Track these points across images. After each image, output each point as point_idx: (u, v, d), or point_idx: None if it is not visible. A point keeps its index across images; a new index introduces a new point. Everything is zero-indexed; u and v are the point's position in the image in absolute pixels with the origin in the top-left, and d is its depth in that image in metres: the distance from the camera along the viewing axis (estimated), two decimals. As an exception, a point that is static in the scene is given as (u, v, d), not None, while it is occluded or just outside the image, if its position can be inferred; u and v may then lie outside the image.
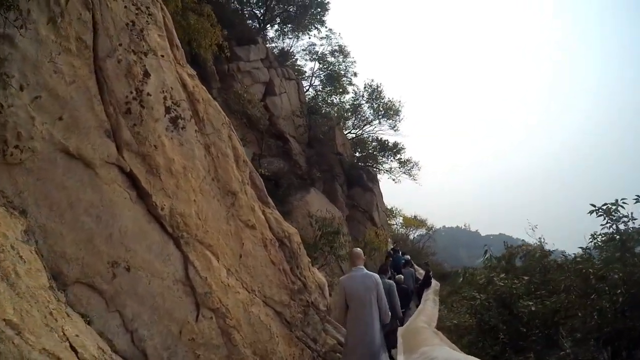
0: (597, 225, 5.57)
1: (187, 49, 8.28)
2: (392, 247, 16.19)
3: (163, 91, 4.24)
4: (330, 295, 7.93)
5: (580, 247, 6.49)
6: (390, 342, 5.83)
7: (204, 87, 5.21)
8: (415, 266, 16.31)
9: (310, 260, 6.57)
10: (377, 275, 4.66)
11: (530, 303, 5.89)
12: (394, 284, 6.83)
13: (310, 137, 16.68)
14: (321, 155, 15.30)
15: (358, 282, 4.53)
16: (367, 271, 4.66)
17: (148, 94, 4.05)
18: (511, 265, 7.52)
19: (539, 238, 7.86)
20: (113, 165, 3.71)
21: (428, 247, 27.53)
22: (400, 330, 6.53)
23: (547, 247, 8.32)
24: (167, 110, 4.27)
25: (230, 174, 5.03)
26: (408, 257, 14.55)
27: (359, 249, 5.16)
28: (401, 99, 21.09)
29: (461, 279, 12.31)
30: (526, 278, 6.55)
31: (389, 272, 8.89)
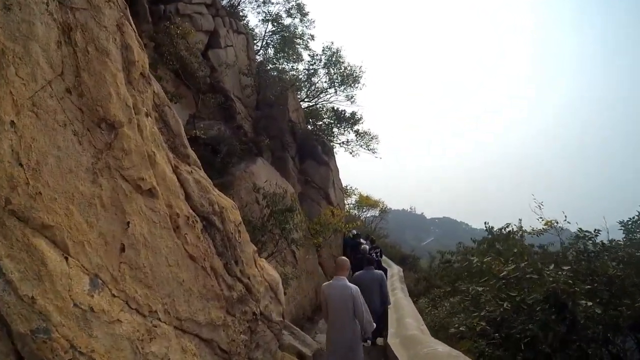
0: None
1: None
2: (355, 232, 14.31)
3: None
4: (285, 294, 5.83)
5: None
6: (377, 328, 5.81)
7: None
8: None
9: (256, 248, 4.34)
10: (355, 288, 4.57)
11: (590, 303, 4.15)
12: (384, 276, 6.80)
13: (259, 100, 14.15)
14: (271, 121, 12.84)
15: (337, 292, 4.57)
16: (346, 282, 4.63)
17: None
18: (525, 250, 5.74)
19: (564, 218, 6.04)
20: None
21: (380, 228, 26.25)
22: (394, 343, 4.71)
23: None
24: None
25: (108, 88, 2.65)
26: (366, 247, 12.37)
27: (344, 258, 5.12)
28: (362, 65, 18.85)
29: (440, 264, 10.70)
30: (566, 268, 4.81)
31: (375, 263, 7.50)
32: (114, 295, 2.40)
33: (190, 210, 3.17)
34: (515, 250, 5.45)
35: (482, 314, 5.08)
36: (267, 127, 12.52)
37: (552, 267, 4.90)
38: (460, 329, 5.36)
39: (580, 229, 5.58)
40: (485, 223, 9.92)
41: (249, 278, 3.79)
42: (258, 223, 8.09)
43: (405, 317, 5.84)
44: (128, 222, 2.58)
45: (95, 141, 2.53)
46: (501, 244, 7.70)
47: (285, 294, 5.95)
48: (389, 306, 7.01)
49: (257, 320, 3.89)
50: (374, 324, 4.67)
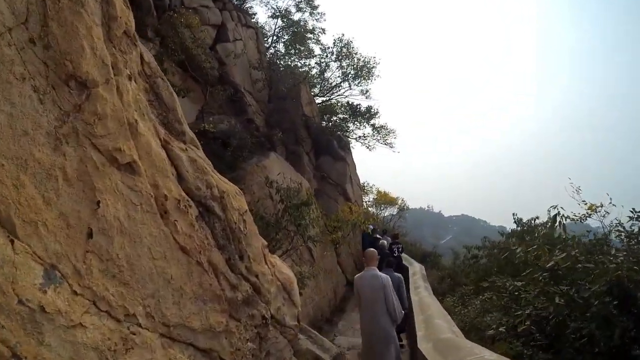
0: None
1: None
2: (372, 227, 13.67)
3: None
4: (301, 294, 5.27)
5: None
6: (400, 327, 6.00)
7: None
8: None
9: (266, 243, 3.78)
10: (385, 277, 4.72)
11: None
12: (402, 278, 6.69)
13: (271, 94, 13.65)
14: (283, 115, 12.28)
15: (366, 282, 4.72)
16: (377, 272, 4.76)
17: None
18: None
19: (610, 201, 5.25)
20: None
21: (399, 226, 25.45)
22: (426, 348, 4.11)
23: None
24: None
25: (81, 41, 2.13)
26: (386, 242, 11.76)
27: (372, 249, 5.21)
28: (375, 56, 18.16)
29: (466, 260, 9.96)
30: (620, 255, 4.10)
31: (394, 266, 7.21)
32: (75, 293, 1.86)
33: (183, 193, 2.62)
34: (564, 237, 4.72)
35: (527, 311, 4.40)
36: (279, 121, 11.98)
37: (613, 252, 4.19)
38: (500, 329, 4.69)
39: (633, 209, 4.82)
40: (513, 214, 9.24)
41: (257, 276, 3.23)
42: (272, 219, 7.56)
43: (434, 317, 5.20)
44: (98, 202, 2.04)
45: (61, 101, 2.00)
46: (536, 234, 6.99)
47: (301, 294, 5.41)
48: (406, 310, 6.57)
49: (267, 325, 3.32)
50: (403, 312, 4.86)
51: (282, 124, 11.89)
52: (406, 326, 6.94)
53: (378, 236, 13.37)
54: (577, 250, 4.40)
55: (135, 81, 2.68)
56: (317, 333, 6.47)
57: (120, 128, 2.29)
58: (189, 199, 2.64)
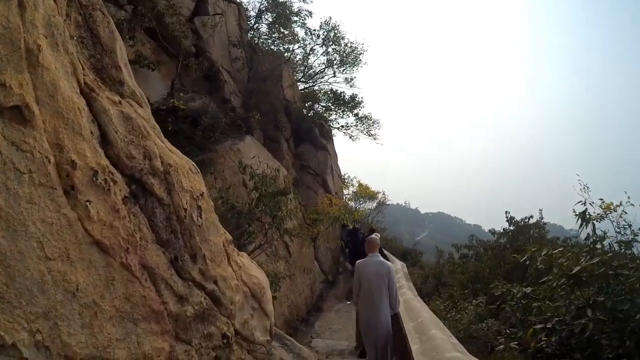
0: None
1: None
2: (354, 224, 13.03)
3: None
4: (275, 297, 4.55)
5: None
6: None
7: None
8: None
9: (231, 239, 2.96)
10: (389, 264, 4.84)
11: None
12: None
13: (251, 76, 12.69)
14: (263, 97, 11.32)
15: (372, 268, 4.69)
16: (381, 259, 4.85)
17: None
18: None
19: (628, 200, 4.57)
20: None
21: (378, 221, 24.92)
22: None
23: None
24: None
25: None
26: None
27: (375, 236, 5.28)
28: (364, 43, 17.26)
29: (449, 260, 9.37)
30: None
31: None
32: None
33: (105, 162, 1.78)
34: (594, 239, 4.06)
35: (548, 325, 3.75)
36: (258, 103, 11.05)
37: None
38: (511, 345, 4.05)
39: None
40: (506, 212, 8.74)
41: (215, 282, 2.42)
42: (244, 209, 6.71)
43: (429, 327, 4.52)
44: None
45: None
46: (531, 232, 6.39)
47: (275, 297, 4.64)
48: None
49: (229, 346, 2.52)
50: (399, 300, 4.94)
51: (261, 107, 10.96)
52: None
53: (357, 226, 13.00)
54: (609, 254, 3.77)
55: (55, 2, 1.83)
56: (293, 340, 5.71)
57: (10, 53, 1.45)
58: (115, 172, 1.80)
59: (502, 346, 4.30)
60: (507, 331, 4.71)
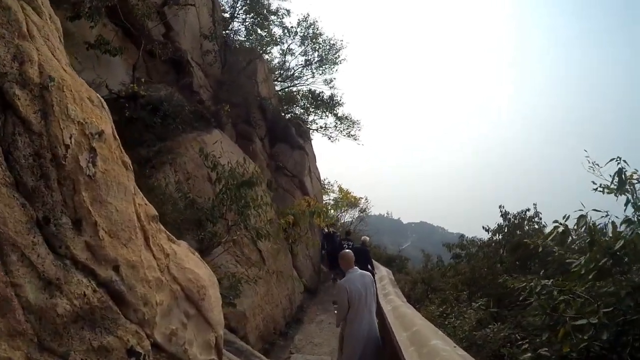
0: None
1: None
2: (332, 230, 12.35)
3: None
4: (234, 305, 3.66)
5: None
6: None
7: None
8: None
9: (156, 214, 2.04)
10: (369, 274, 4.81)
11: None
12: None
13: (223, 71, 11.85)
14: (236, 90, 10.44)
15: (358, 282, 4.57)
16: (362, 271, 4.76)
17: None
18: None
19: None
20: None
21: (360, 231, 24.14)
22: None
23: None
24: None
25: None
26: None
27: (349, 251, 5.14)
28: (343, 40, 16.72)
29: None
30: None
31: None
32: None
33: None
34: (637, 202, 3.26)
35: (592, 320, 2.90)
36: (230, 96, 10.17)
37: None
38: (541, 352, 3.23)
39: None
40: (500, 207, 8.12)
41: (116, 269, 1.52)
42: (207, 205, 5.78)
43: (429, 337, 3.67)
44: None
45: None
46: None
47: (234, 305, 3.73)
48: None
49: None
50: None
51: (232, 100, 10.08)
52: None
53: (333, 230, 12.58)
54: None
55: None
56: (263, 358, 4.76)
57: None
58: None
59: (527, 355, 3.46)
60: (518, 336, 3.92)
